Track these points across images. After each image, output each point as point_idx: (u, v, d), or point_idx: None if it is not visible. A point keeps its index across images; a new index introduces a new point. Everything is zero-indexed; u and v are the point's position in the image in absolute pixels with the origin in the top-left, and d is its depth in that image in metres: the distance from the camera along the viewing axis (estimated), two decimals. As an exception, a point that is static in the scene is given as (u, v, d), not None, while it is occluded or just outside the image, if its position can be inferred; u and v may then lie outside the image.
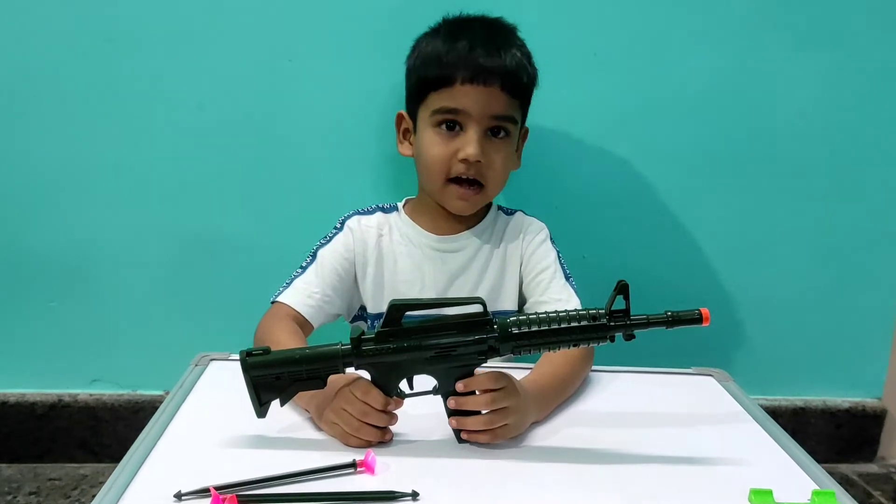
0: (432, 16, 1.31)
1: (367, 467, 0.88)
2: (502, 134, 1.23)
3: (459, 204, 1.25)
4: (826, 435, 1.86)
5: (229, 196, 1.60)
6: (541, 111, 1.51)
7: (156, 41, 1.50)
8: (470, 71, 1.18)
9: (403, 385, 0.95)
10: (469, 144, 1.19)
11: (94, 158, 1.56)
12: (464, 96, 1.19)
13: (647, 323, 0.90)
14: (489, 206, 1.35)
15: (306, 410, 1.02)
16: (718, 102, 1.62)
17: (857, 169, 1.69)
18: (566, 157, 1.61)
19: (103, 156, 1.56)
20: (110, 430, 1.72)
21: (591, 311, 0.90)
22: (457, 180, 1.23)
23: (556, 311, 0.91)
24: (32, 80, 1.51)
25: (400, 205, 1.35)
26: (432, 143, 1.23)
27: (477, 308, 0.92)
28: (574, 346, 0.91)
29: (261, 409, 0.94)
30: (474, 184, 1.23)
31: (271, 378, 0.93)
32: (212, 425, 0.99)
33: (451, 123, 1.21)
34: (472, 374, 0.94)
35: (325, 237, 1.30)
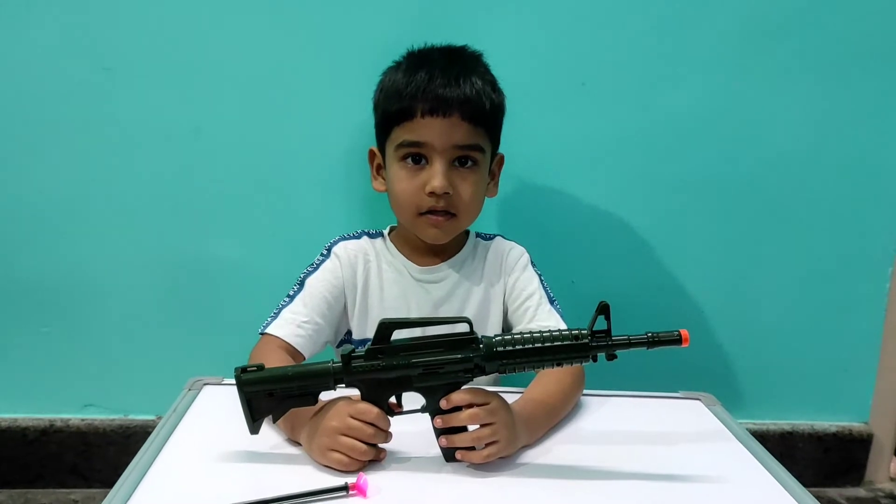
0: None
1: (360, 490, 0.88)
2: (469, 163, 1.22)
3: (433, 232, 1.24)
4: (813, 459, 1.87)
5: (223, 221, 1.61)
6: (530, 139, 1.55)
7: (151, 69, 1.52)
8: (429, 103, 1.17)
9: (392, 402, 0.97)
10: (434, 177, 1.18)
11: (88, 184, 1.58)
12: (425, 128, 1.18)
13: (629, 343, 0.92)
14: (467, 234, 1.35)
15: (296, 442, 1.01)
16: (705, 130, 1.64)
17: (841, 194, 1.72)
18: (555, 183, 1.64)
19: (96, 181, 1.58)
20: (102, 455, 1.71)
21: (573, 331, 0.92)
22: (428, 212, 1.22)
23: (539, 331, 0.93)
24: (27, 107, 1.53)
25: (385, 231, 1.35)
26: (399, 177, 1.23)
27: (463, 327, 0.94)
28: (558, 364, 0.93)
29: (254, 425, 0.96)
30: (445, 213, 1.23)
31: (264, 394, 0.94)
32: (205, 450, 1.00)
33: (417, 157, 1.20)
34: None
35: (312, 264, 1.29)
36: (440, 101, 1.17)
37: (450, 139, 1.19)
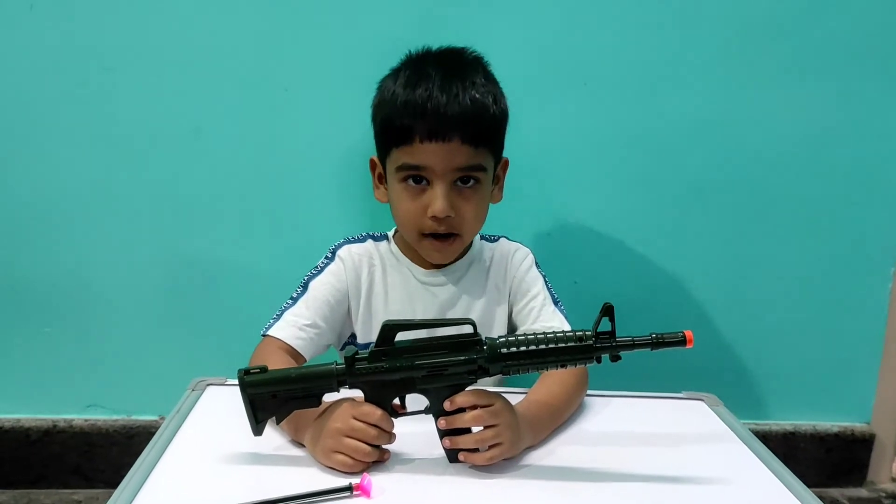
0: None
1: (364, 491, 0.88)
2: (472, 182, 1.19)
3: (436, 255, 1.25)
4: (816, 459, 1.87)
5: (225, 222, 1.62)
6: (532, 139, 1.55)
7: (152, 69, 1.53)
8: (427, 125, 1.13)
9: (396, 403, 0.97)
10: (436, 201, 1.16)
11: (91, 184, 1.58)
12: (425, 153, 1.15)
13: (633, 344, 0.91)
14: None
15: (300, 443, 1.01)
16: (707, 131, 1.65)
17: (842, 194, 1.72)
18: (557, 183, 1.64)
19: (99, 182, 1.58)
20: (104, 456, 1.72)
21: (577, 333, 0.92)
22: (430, 235, 1.21)
23: (543, 333, 0.93)
24: (30, 108, 1.53)
25: (390, 234, 1.34)
26: (401, 198, 1.21)
27: (467, 329, 0.94)
28: (562, 366, 0.93)
29: (257, 426, 0.96)
30: (449, 236, 1.21)
31: (268, 396, 0.94)
32: (208, 451, 1.00)
33: (418, 178, 1.18)
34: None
35: (316, 267, 1.29)
36: (439, 123, 1.13)
37: (450, 163, 1.16)
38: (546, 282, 1.33)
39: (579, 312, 1.28)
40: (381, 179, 1.28)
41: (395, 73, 1.23)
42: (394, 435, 0.96)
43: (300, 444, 1.01)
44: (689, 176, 1.67)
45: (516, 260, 1.33)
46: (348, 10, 1.52)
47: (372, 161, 1.30)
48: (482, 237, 1.36)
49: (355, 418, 0.94)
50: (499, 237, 1.37)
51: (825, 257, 1.75)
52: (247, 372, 0.95)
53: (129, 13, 1.50)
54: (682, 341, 0.91)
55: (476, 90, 1.17)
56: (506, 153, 1.31)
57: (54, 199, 1.58)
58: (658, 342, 0.91)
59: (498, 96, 1.22)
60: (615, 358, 0.92)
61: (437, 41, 1.29)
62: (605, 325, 0.91)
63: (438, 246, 1.22)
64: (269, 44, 1.53)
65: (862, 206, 1.72)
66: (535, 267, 1.34)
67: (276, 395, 0.95)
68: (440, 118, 1.13)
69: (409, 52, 1.26)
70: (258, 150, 1.58)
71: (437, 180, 1.17)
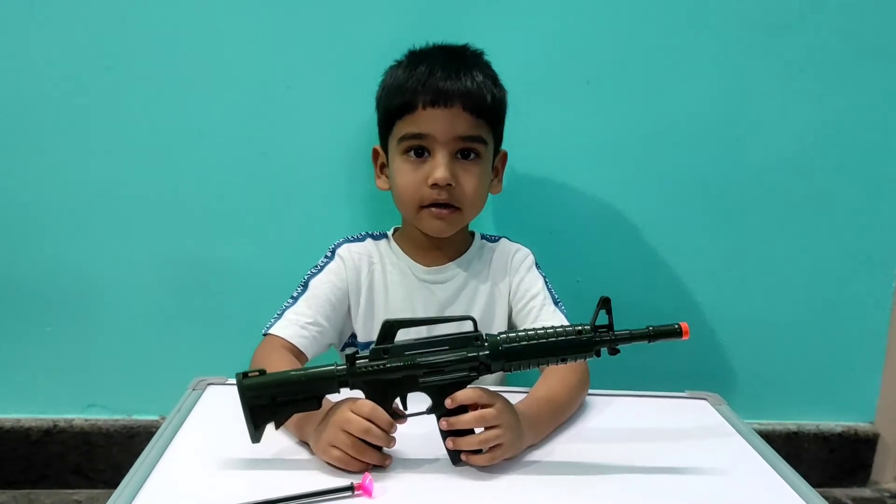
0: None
1: (365, 490, 0.88)
2: (472, 156, 1.22)
3: (436, 224, 1.24)
4: (819, 459, 1.86)
5: (226, 221, 1.61)
6: (534, 136, 1.54)
7: (154, 69, 1.52)
8: (430, 94, 1.18)
9: (397, 404, 0.96)
10: (437, 168, 1.19)
11: (92, 184, 1.57)
12: (427, 120, 1.19)
13: (630, 337, 0.92)
14: (472, 235, 1.35)
15: (304, 442, 1.01)
16: (710, 129, 1.64)
17: (846, 193, 1.71)
18: (560, 182, 1.63)
19: (100, 181, 1.57)
20: (105, 456, 1.71)
21: (576, 327, 0.93)
22: (431, 205, 1.22)
23: (542, 328, 0.93)
24: (31, 107, 1.53)
25: (389, 233, 1.34)
26: (402, 170, 1.23)
27: (468, 326, 0.95)
28: (562, 361, 0.93)
29: (256, 433, 0.94)
30: (448, 206, 1.22)
31: (267, 399, 0.93)
32: (209, 450, 0.99)
33: (419, 150, 1.21)
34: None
35: (316, 266, 1.29)
36: (441, 92, 1.18)
37: (452, 130, 1.19)
38: (546, 282, 1.32)
39: (582, 311, 1.27)
40: (383, 168, 1.31)
41: (398, 63, 1.28)
42: (393, 438, 0.95)
43: (303, 444, 1.01)
44: (692, 174, 1.66)
45: (517, 260, 1.33)
46: (350, 9, 1.52)
47: (374, 150, 1.32)
48: (483, 237, 1.36)
49: (351, 411, 0.93)
50: (499, 237, 1.37)
51: (829, 256, 1.74)
52: (245, 375, 0.93)
53: (128, 12, 1.49)
54: (679, 332, 0.92)
55: (478, 70, 1.23)
56: (508, 152, 1.31)
57: (54, 198, 1.58)
58: (655, 334, 0.92)
59: (497, 82, 1.27)
60: (614, 351, 0.93)
61: (438, 39, 1.30)
62: (602, 319, 0.92)
63: (438, 213, 1.22)
64: (271, 42, 1.53)
65: (866, 205, 1.72)
66: (535, 267, 1.34)
67: (276, 399, 0.93)
68: (442, 87, 1.18)
69: (413, 45, 1.29)
70: (259, 149, 1.58)
71: (438, 149, 1.19)
